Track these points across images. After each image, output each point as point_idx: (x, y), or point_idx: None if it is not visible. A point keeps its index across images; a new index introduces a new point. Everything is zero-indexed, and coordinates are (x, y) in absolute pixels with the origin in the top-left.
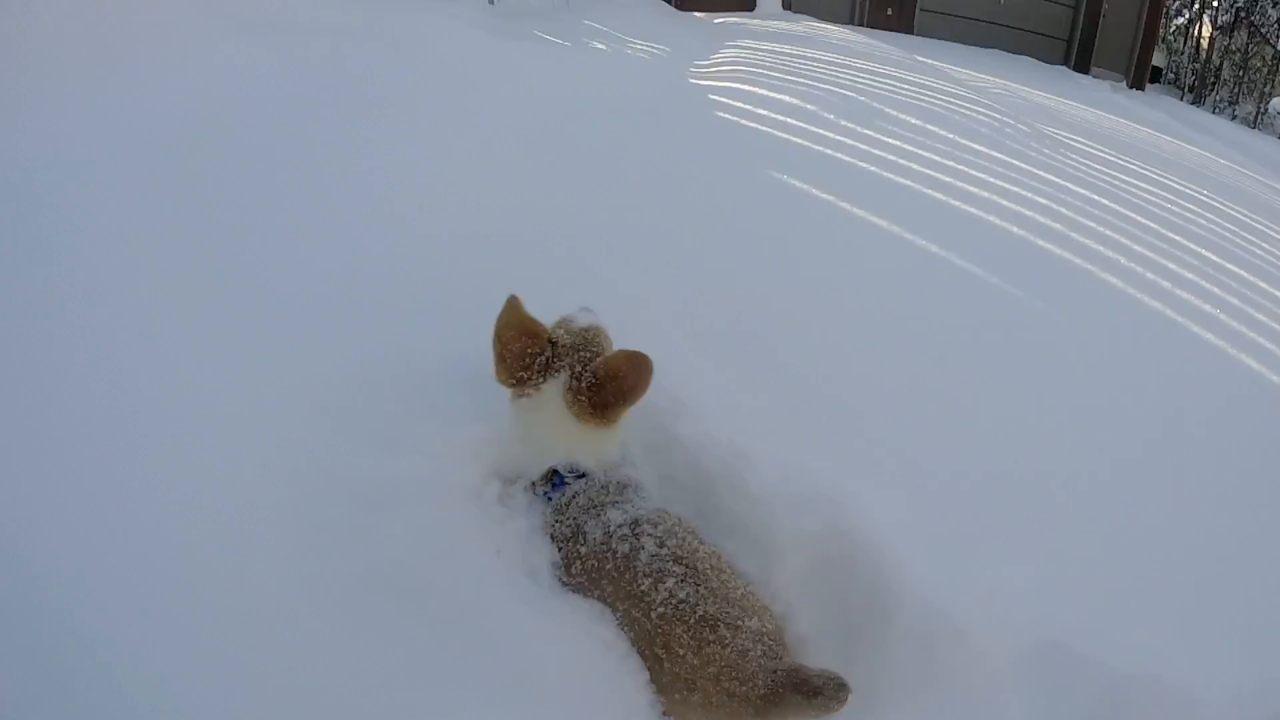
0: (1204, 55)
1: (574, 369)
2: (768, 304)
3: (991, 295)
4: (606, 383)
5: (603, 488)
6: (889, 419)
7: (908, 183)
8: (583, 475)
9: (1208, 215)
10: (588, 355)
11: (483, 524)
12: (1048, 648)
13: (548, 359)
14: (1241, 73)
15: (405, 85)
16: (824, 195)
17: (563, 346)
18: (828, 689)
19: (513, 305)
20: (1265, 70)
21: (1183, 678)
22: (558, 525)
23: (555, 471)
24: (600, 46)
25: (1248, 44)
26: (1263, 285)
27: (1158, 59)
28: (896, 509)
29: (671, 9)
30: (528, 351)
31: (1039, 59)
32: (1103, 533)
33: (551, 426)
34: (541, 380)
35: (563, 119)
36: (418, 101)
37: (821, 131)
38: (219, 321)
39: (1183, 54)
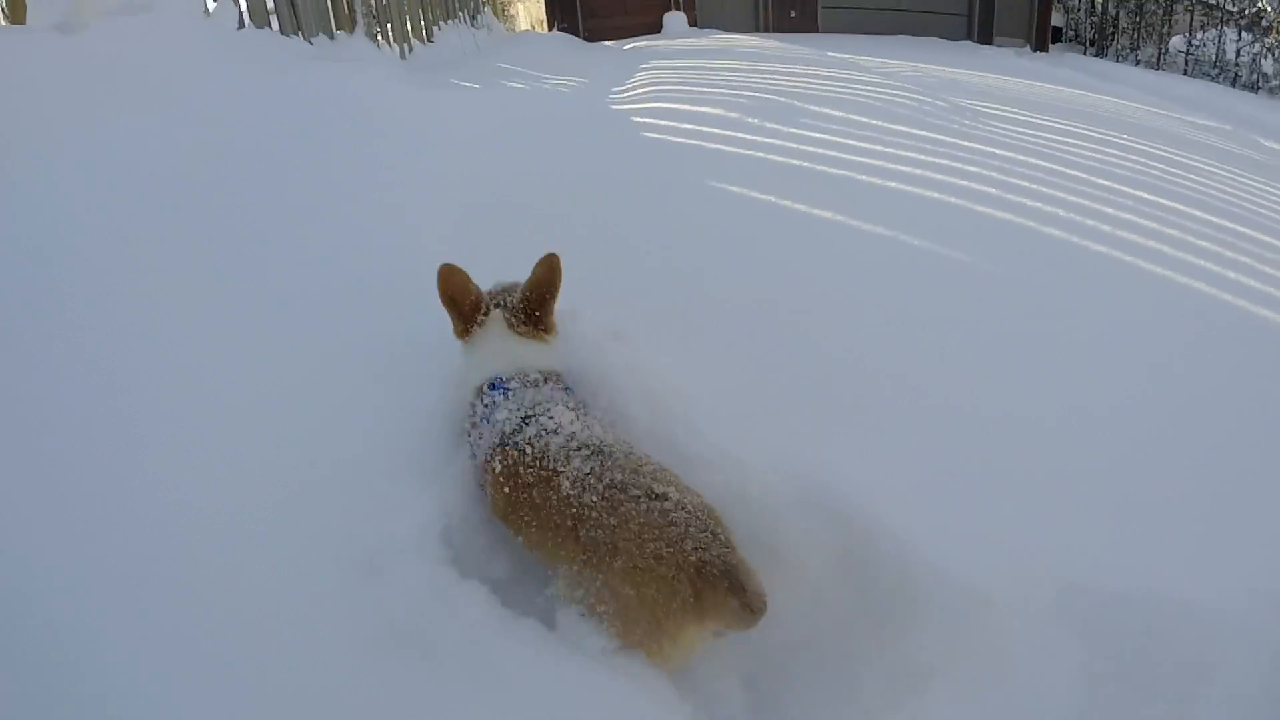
0: (1099, 7)
1: (504, 303)
2: (725, 303)
3: (941, 264)
4: (530, 294)
5: (529, 406)
6: (870, 400)
7: (842, 172)
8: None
9: (1131, 156)
10: (511, 293)
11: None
12: (1073, 594)
13: (488, 306)
14: (1138, 18)
15: (334, 148)
16: (763, 196)
17: (491, 295)
18: (755, 601)
19: (454, 269)
20: (1161, 12)
21: (1203, 598)
22: (475, 433)
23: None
24: (518, 86)
25: None
26: (1196, 213)
27: (1057, 19)
28: (899, 489)
29: (580, 41)
30: (477, 303)
31: (944, 37)
32: (1102, 472)
33: (497, 346)
34: (485, 319)
35: (492, 161)
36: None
37: (749, 136)
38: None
39: (1079, 10)
